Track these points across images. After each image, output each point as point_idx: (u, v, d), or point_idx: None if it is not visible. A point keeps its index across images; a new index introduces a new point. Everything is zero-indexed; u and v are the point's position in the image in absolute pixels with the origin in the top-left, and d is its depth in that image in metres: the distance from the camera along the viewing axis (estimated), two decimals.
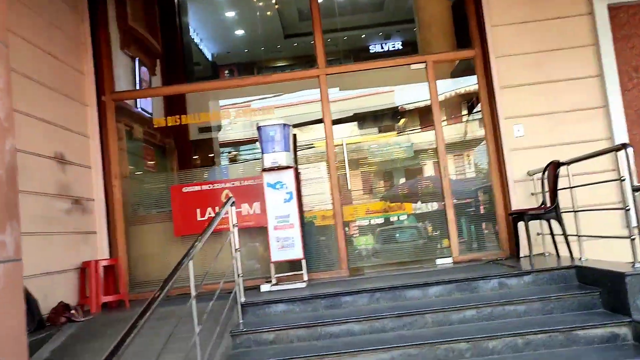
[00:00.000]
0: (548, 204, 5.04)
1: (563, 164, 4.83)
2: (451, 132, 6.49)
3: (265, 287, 5.36)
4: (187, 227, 6.07)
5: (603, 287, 3.97)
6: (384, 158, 6.81)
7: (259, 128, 5.59)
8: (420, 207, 6.76)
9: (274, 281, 5.49)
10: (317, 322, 4.14)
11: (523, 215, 4.93)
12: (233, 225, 4.58)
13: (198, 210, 6.12)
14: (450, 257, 5.91)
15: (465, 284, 4.47)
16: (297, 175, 5.90)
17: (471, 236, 6.08)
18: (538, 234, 5.62)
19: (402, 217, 6.85)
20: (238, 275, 4.54)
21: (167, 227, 6.19)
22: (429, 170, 6.74)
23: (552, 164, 4.99)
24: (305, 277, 5.50)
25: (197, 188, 6.18)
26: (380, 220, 6.73)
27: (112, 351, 2.13)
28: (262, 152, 5.58)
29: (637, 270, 3.70)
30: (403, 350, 3.71)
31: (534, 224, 5.30)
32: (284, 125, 5.56)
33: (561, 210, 4.85)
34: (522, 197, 5.75)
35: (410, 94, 7.43)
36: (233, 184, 6.20)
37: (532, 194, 5.69)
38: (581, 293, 4.05)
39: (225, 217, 4.36)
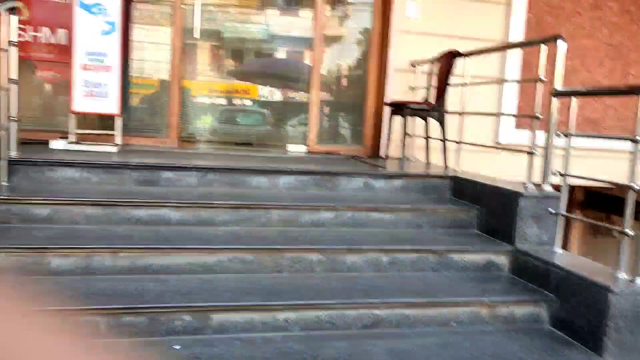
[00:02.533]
0: (431, 101, 4.26)
1: (461, 54, 3.99)
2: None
3: (57, 144, 3.91)
4: None
5: (484, 207, 3.32)
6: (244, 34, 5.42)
7: None
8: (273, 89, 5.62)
9: (71, 138, 4.05)
10: (119, 200, 2.92)
11: (402, 107, 4.07)
12: (9, 42, 3.00)
13: None
14: (304, 145, 4.96)
15: (323, 179, 3.54)
16: (128, 4, 4.30)
17: (331, 126, 5.15)
18: (405, 135, 4.88)
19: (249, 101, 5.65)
20: (9, 118, 3.05)
21: None
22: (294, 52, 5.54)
23: (448, 53, 4.14)
24: (119, 141, 4.14)
25: None
26: (224, 101, 5.46)
27: None
28: None
29: (531, 192, 3.06)
30: (235, 254, 2.69)
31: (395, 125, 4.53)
32: None
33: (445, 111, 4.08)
34: (399, 90, 4.90)
35: None
36: None
37: (411, 89, 4.88)
38: (457, 209, 3.37)
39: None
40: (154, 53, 5.08)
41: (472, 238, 3.18)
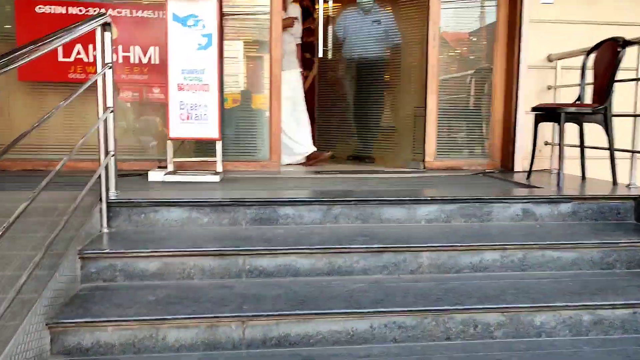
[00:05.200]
0: (587, 101, 3.49)
1: (632, 43, 3.19)
2: None
3: (155, 175, 3.48)
4: (39, 69, 3.89)
5: None
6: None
7: None
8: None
9: (170, 168, 3.61)
10: (238, 248, 2.39)
11: (555, 112, 3.32)
12: (105, 64, 2.56)
13: (61, 47, 3.91)
14: (421, 161, 4.29)
15: (472, 207, 2.87)
16: (222, 9, 3.83)
17: (451, 137, 4.46)
18: (546, 143, 4.13)
19: None
20: (106, 153, 2.61)
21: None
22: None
23: (608, 43, 3.36)
24: (220, 168, 3.66)
25: (60, 10, 3.93)
26: None
27: None
28: None
29: None
30: (391, 318, 2.09)
31: (545, 130, 3.78)
32: None
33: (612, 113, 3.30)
34: (534, 90, 4.16)
35: None
36: (120, 12, 4.00)
37: (549, 88, 4.11)
38: None
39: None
40: (245, 67, 4.63)
41: None
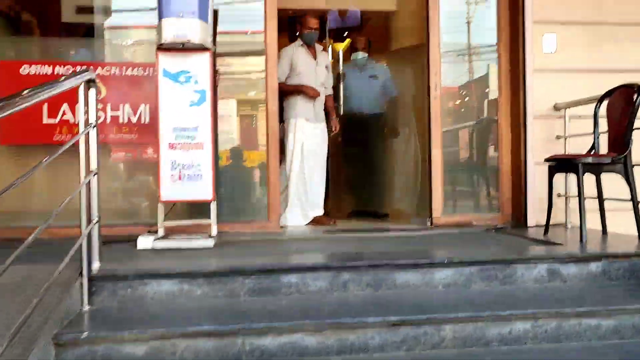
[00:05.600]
0: (602, 151, 3.30)
1: None
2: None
3: (145, 241, 3.20)
4: (22, 132, 3.68)
5: None
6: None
7: None
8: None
9: (160, 232, 3.35)
10: (237, 326, 2.11)
11: (572, 163, 3.12)
12: (88, 123, 2.34)
13: (45, 107, 3.73)
14: (427, 217, 4.06)
15: (493, 269, 2.61)
16: (215, 64, 3.67)
17: (458, 191, 4.25)
18: (559, 195, 3.91)
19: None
20: (88, 221, 2.35)
21: None
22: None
23: (622, 89, 3.21)
24: (214, 231, 3.40)
25: (47, 70, 3.76)
26: None
27: None
28: (160, 17, 3.29)
29: None
30: None
31: (556, 182, 3.57)
32: None
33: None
34: (541, 140, 3.97)
35: None
36: (110, 70, 3.85)
37: (558, 138, 3.94)
38: None
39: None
40: (239, 123, 4.47)
41: None
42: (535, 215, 3.88)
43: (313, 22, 4.23)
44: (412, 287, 2.56)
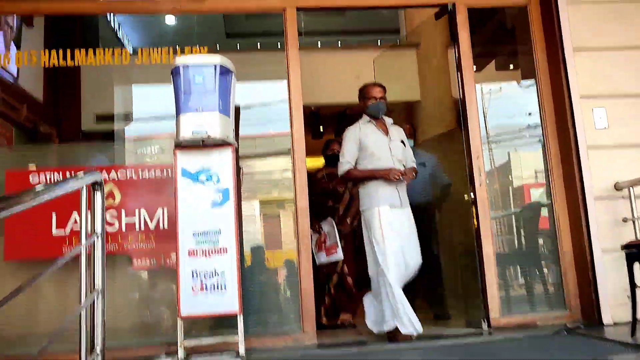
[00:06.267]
0: None
1: None
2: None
3: None
4: (28, 246, 3.35)
5: None
6: None
7: (175, 70, 3.08)
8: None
9: (180, 354, 2.88)
10: None
11: None
12: (93, 232, 1.98)
13: (54, 216, 3.41)
14: (484, 320, 3.53)
15: None
16: (237, 161, 3.36)
17: (515, 286, 3.74)
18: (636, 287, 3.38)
19: None
20: (91, 349, 1.92)
21: None
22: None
23: None
24: (242, 349, 2.92)
25: (56, 177, 3.49)
26: None
27: None
28: (178, 112, 3.05)
29: None
30: None
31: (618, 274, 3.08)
32: (221, 67, 3.07)
33: None
34: (605, 223, 3.52)
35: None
36: (126, 173, 3.56)
37: (625, 220, 3.48)
38: None
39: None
40: (264, 222, 4.13)
41: None
42: (610, 311, 3.35)
43: (376, 91, 3.53)
44: None
